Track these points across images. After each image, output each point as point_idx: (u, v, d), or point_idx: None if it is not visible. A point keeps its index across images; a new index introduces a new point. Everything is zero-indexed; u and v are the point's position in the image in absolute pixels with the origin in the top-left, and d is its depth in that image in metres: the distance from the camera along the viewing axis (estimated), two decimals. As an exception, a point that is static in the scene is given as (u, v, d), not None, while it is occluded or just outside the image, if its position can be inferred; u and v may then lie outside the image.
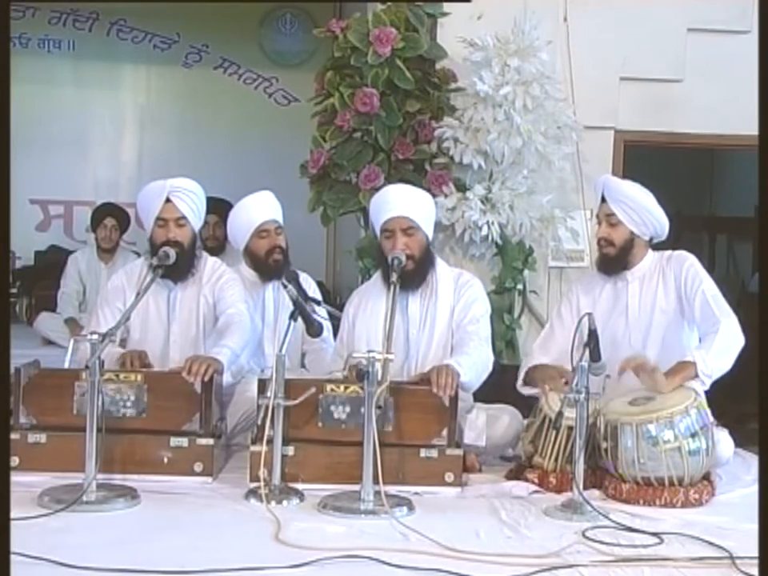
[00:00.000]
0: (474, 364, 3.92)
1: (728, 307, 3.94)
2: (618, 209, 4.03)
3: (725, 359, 3.81)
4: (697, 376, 3.74)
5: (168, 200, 4.18)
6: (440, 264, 4.21)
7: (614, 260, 4.10)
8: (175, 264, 4.09)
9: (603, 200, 4.08)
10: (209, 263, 4.35)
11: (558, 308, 4.32)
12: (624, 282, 4.13)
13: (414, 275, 4.05)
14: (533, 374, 4.04)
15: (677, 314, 4.05)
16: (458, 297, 4.12)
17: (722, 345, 3.81)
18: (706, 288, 3.97)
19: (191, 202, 4.22)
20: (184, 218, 4.20)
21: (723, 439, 3.87)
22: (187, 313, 4.26)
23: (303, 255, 4.92)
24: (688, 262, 4.07)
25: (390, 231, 4.05)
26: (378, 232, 4.14)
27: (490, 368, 4.07)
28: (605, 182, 4.12)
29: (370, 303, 4.15)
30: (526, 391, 4.05)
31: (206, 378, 3.73)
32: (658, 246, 4.20)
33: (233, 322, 4.14)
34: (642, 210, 4.04)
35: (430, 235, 4.18)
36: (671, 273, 4.07)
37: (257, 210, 4.61)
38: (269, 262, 4.60)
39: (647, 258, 4.13)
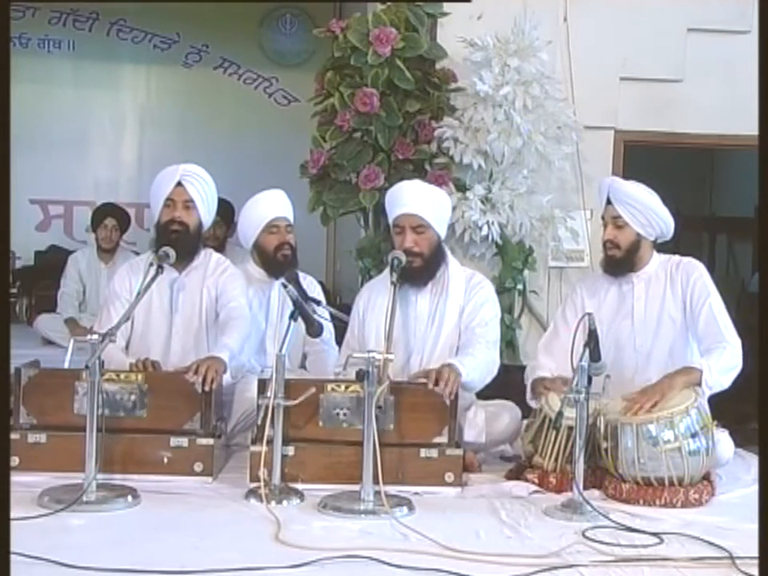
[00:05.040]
0: (478, 366, 3.92)
1: (733, 327, 3.95)
2: (625, 211, 4.02)
3: (726, 377, 3.83)
4: (699, 384, 3.74)
5: (179, 183, 4.20)
6: (452, 263, 4.21)
7: (621, 262, 4.09)
8: (178, 247, 4.07)
9: (609, 202, 4.06)
10: (213, 257, 4.36)
11: (561, 309, 4.31)
12: (630, 285, 4.13)
13: (422, 272, 4.06)
14: (537, 386, 4.03)
15: (683, 322, 4.05)
16: (469, 297, 4.13)
17: (728, 363, 3.84)
18: (713, 302, 3.98)
19: (201, 189, 4.24)
20: (192, 201, 4.21)
21: (723, 440, 3.87)
22: (190, 305, 4.27)
23: (303, 255, 4.91)
24: (697, 273, 4.06)
25: (400, 227, 4.07)
26: (390, 227, 4.16)
27: (495, 372, 4.07)
28: (610, 183, 4.10)
29: (379, 299, 4.14)
30: (535, 404, 4.03)
31: (215, 386, 3.74)
32: (659, 247, 4.19)
33: (233, 317, 4.15)
34: (648, 211, 4.03)
35: (443, 234, 4.18)
36: (679, 280, 4.06)
37: (269, 206, 4.62)
38: (277, 257, 4.60)
39: (653, 260, 4.13)
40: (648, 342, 4.08)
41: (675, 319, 4.06)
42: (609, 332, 4.06)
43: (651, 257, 4.13)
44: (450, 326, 4.09)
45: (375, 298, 4.18)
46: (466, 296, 4.13)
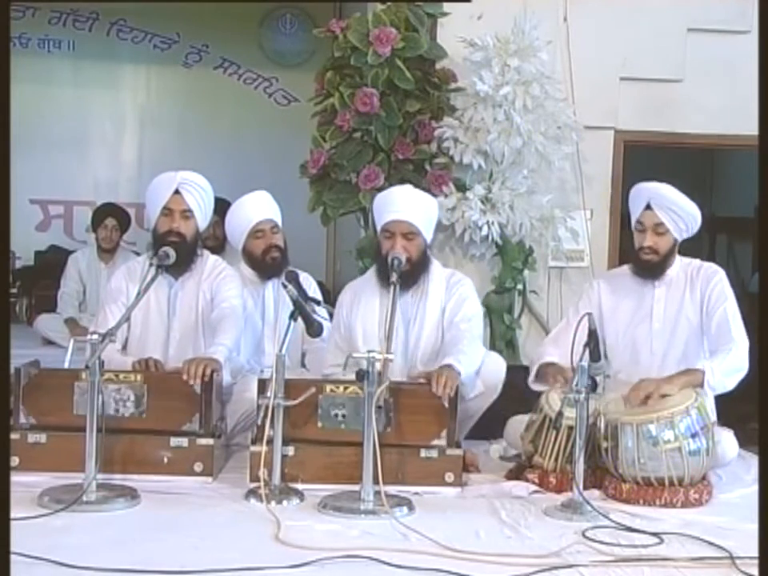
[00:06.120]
0: (472, 362, 3.95)
1: (744, 331, 3.96)
2: (667, 217, 4.03)
3: (731, 379, 3.84)
4: (701, 386, 3.74)
5: (177, 191, 4.20)
6: (433, 264, 4.23)
7: (656, 267, 4.09)
8: (176, 257, 4.09)
9: (648, 207, 4.03)
10: (210, 260, 4.37)
11: (576, 305, 4.30)
12: (650, 287, 4.13)
13: (408, 277, 4.07)
14: (544, 370, 4.03)
15: (699, 325, 4.05)
16: (450, 295, 4.16)
17: (732, 365, 3.85)
18: (729, 307, 4.00)
19: (199, 197, 4.24)
20: (190, 210, 4.22)
21: (727, 439, 3.88)
22: (187, 309, 4.28)
23: (303, 255, 4.92)
24: (717, 277, 4.08)
25: (390, 233, 4.07)
26: (378, 229, 4.16)
27: (480, 367, 4.08)
28: (654, 190, 4.06)
29: (363, 299, 4.17)
30: (537, 387, 4.05)
31: (206, 378, 3.73)
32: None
33: (224, 316, 4.16)
34: (688, 216, 4.07)
35: (430, 239, 4.22)
36: (699, 285, 4.07)
37: (252, 210, 4.63)
38: (266, 261, 4.61)
39: (676, 262, 4.14)
40: (664, 344, 4.08)
41: (692, 322, 4.07)
42: (626, 334, 4.08)
43: (675, 259, 4.14)
44: (431, 325, 4.12)
45: (360, 297, 4.20)
46: (446, 294, 4.16)
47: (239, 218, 4.64)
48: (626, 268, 4.27)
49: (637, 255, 4.13)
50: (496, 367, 4.14)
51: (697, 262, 4.17)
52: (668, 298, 4.11)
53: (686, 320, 4.07)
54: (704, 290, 4.05)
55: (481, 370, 4.04)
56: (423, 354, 4.08)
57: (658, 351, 4.08)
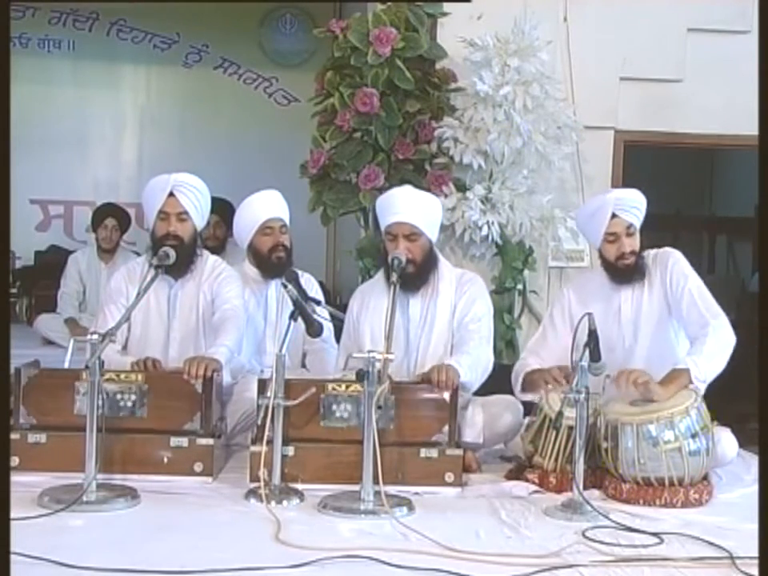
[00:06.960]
0: (475, 364, 3.93)
1: (716, 305, 3.93)
2: (634, 216, 4.02)
3: (718, 361, 3.80)
4: (691, 383, 3.73)
5: (171, 194, 4.19)
6: (442, 263, 4.22)
7: (636, 267, 4.07)
8: (175, 259, 4.09)
9: (614, 215, 3.99)
10: (209, 261, 4.36)
11: (549, 313, 4.30)
12: (618, 288, 4.12)
13: (414, 278, 4.06)
14: (531, 377, 4.02)
15: (664, 313, 4.04)
16: (460, 295, 4.13)
17: (713, 347, 3.80)
18: (692, 286, 3.97)
19: (194, 198, 4.23)
20: (186, 212, 4.21)
21: (726, 439, 3.87)
22: (187, 310, 4.27)
23: (303, 255, 4.92)
24: (672, 260, 4.06)
25: (393, 235, 4.06)
26: (382, 232, 4.16)
27: (490, 368, 4.07)
28: (614, 199, 4.02)
29: (372, 301, 4.16)
30: (526, 398, 4.04)
31: (207, 375, 3.73)
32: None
33: (227, 318, 4.16)
34: (643, 206, 4.05)
35: (435, 239, 4.19)
36: (657, 272, 4.06)
37: (262, 208, 4.62)
38: (272, 259, 4.61)
39: None
40: (633, 340, 4.08)
41: (655, 314, 4.06)
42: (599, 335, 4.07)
43: None
44: (442, 325, 4.09)
45: (368, 299, 4.19)
46: (457, 294, 4.13)
47: (249, 215, 4.63)
48: (598, 272, 4.21)
49: (615, 264, 4.06)
50: (509, 424, 4.03)
51: (653, 251, 4.15)
52: (633, 294, 4.10)
53: (647, 311, 4.06)
54: (663, 276, 4.03)
55: (491, 422, 3.98)
56: (435, 353, 4.04)
57: (630, 345, 4.07)
